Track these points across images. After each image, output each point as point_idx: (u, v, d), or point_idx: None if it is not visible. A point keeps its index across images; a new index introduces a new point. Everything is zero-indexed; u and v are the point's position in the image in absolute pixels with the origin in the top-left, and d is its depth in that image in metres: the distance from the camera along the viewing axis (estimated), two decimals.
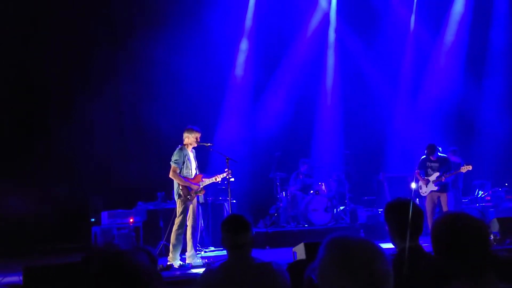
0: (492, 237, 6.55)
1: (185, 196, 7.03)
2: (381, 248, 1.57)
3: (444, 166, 8.64)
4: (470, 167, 8.57)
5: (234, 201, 9.29)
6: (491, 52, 12.72)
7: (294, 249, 5.30)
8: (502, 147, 12.13)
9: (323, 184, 10.56)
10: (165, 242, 7.65)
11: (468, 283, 1.95)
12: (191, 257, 7.10)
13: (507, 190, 11.04)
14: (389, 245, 3.08)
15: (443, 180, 8.57)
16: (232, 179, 7.61)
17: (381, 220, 10.24)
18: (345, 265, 1.49)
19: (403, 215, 2.86)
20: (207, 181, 7.35)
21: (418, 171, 8.89)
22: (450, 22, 12.68)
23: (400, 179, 10.59)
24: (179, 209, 7.06)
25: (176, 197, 7.13)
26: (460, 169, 8.61)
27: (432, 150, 8.70)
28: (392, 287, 1.51)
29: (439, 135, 11.57)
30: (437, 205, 8.79)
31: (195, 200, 7.21)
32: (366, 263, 1.48)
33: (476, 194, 11.23)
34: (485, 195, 11.08)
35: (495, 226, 6.83)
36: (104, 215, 8.63)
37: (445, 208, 8.60)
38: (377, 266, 1.48)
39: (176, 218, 7.07)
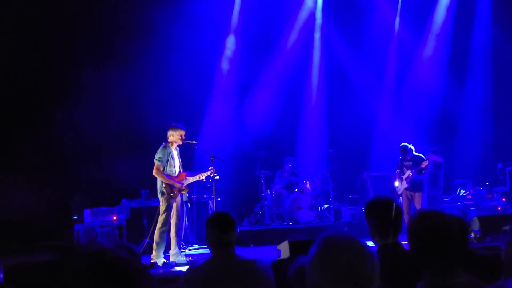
0: (472, 235, 6.64)
1: (169, 194, 7.01)
2: (369, 247, 1.59)
3: (416, 164, 8.87)
4: (427, 162, 8.88)
5: (219, 199, 9.28)
6: (473, 54, 12.90)
7: (278, 247, 5.32)
8: (483, 147, 12.31)
9: (307, 182, 10.60)
10: (148, 240, 7.62)
11: (436, 276, 2.04)
12: (175, 255, 7.08)
13: (488, 189, 11.21)
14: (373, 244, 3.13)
15: (410, 177, 8.83)
16: (217, 177, 7.60)
17: (365, 219, 10.30)
18: (327, 265, 1.51)
19: (383, 213, 2.93)
20: (191, 179, 7.33)
21: (398, 170, 9.21)
22: (433, 24, 12.82)
23: (383, 178, 10.69)
24: (162, 207, 7.04)
25: (159, 195, 7.11)
26: (421, 164, 8.84)
27: (404, 151, 9.09)
28: (377, 285, 1.54)
29: (422, 134, 11.71)
30: (412, 203, 9.08)
31: (178, 198, 7.20)
32: (351, 263, 1.50)
33: (457, 193, 11.39)
34: (466, 194, 11.23)
35: (475, 224, 6.92)
36: (87, 212, 8.56)
37: (418, 207, 8.85)
38: (363, 267, 1.51)
39: (159, 216, 7.04)
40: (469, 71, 12.91)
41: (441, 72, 12.75)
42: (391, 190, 9.62)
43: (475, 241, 6.64)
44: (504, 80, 12.63)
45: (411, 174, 8.90)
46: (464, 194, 11.26)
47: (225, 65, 11.90)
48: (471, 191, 11.26)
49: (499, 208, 10.32)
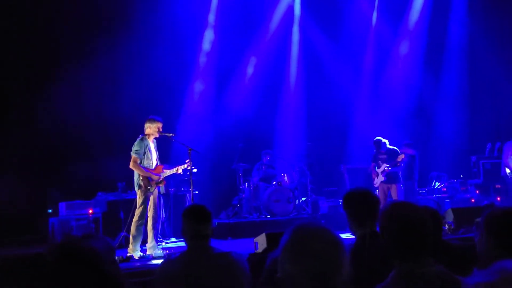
0: (446, 226, 6.75)
1: (146, 187, 6.96)
2: (338, 236, 1.61)
3: (392, 157, 9.01)
4: (403, 156, 9.02)
5: (197, 192, 9.25)
6: (448, 48, 13.07)
7: (255, 239, 5.32)
8: (458, 140, 12.50)
9: (285, 175, 10.63)
10: (125, 233, 7.56)
11: (406, 265, 2.09)
12: (151, 248, 7.04)
13: (462, 181, 11.40)
14: (349, 235, 3.19)
15: (386, 170, 8.97)
16: (195, 170, 7.56)
17: (341, 211, 10.41)
18: (298, 254, 1.53)
19: (360, 203, 3.02)
20: (168, 172, 7.29)
21: (373, 164, 9.36)
22: (410, 18, 12.95)
23: (360, 171, 10.79)
24: (139, 200, 6.98)
25: (136, 187, 7.04)
26: (398, 158, 8.98)
27: (378, 145, 9.27)
28: (346, 275, 1.56)
29: (399, 128, 11.84)
30: (388, 196, 9.24)
31: (156, 191, 7.15)
32: (319, 251, 1.52)
33: (433, 185, 11.55)
34: (441, 187, 11.41)
35: (449, 216, 7.02)
36: (62, 206, 8.45)
37: (395, 199, 8.96)
38: (331, 254, 1.53)
39: (136, 209, 6.99)
40: (445, 65, 13.09)
41: (417, 66, 12.89)
42: (368, 182, 9.71)
43: (449, 233, 6.74)
44: (479, 75, 12.84)
45: (387, 167, 9.01)
46: (439, 187, 11.44)
47: (202, 58, 11.82)
48: (446, 183, 11.44)
49: (473, 200, 10.52)
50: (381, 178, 9.15)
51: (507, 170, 9.79)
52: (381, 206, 8.68)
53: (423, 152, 10.98)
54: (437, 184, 11.51)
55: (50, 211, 8.84)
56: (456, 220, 6.94)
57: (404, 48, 12.98)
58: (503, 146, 10.24)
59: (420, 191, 11.13)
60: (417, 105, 12.76)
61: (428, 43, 12.87)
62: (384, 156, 9.16)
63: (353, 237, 4.04)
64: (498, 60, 12.63)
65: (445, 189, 11.32)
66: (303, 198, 10.73)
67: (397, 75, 12.92)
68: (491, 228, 2.39)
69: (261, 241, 5.13)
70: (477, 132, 12.60)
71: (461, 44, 12.91)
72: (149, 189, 6.97)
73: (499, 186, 10.63)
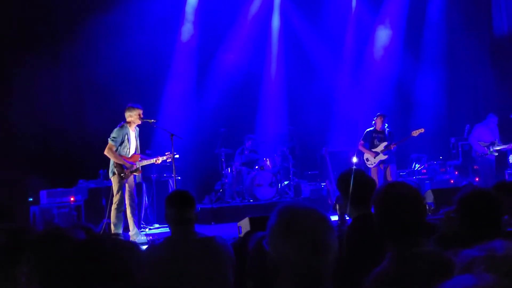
0: (426, 207, 6.84)
1: (119, 174, 6.94)
2: (328, 218, 1.63)
3: (392, 135, 8.92)
4: (422, 130, 8.92)
5: (179, 177, 9.24)
6: (428, 28, 13.12)
7: (239, 223, 5.34)
8: (438, 122, 12.63)
9: (267, 159, 10.65)
10: (107, 220, 7.54)
11: (402, 246, 2.10)
12: (135, 235, 7.04)
13: (442, 163, 11.56)
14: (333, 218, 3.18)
15: (392, 148, 8.80)
16: (177, 156, 7.54)
17: (324, 194, 10.53)
18: (290, 231, 1.55)
19: (359, 183, 2.98)
20: (145, 162, 7.27)
21: (363, 142, 9.04)
22: (389, 2, 12.97)
23: (342, 154, 10.85)
24: (115, 187, 7.00)
25: (110, 174, 7.04)
26: (411, 134, 8.91)
27: (385, 120, 8.92)
28: (335, 256, 1.58)
29: (379, 110, 11.89)
30: (381, 176, 8.97)
31: (131, 178, 7.12)
32: (310, 231, 1.54)
33: (413, 167, 11.68)
34: (421, 168, 11.54)
35: (429, 197, 7.10)
36: (43, 194, 8.37)
37: (389, 179, 8.90)
38: (322, 235, 1.55)
39: (114, 197, 6.98)
40: (424, 46, 13.16)
41: (397, 49, 12.94)
42: (350, 165, 9.73)
43: (429, 213, 6.83)
44: (458, 56, 12.95)
45: (392, 146, 8.76)
46: (419, 168, 11.57)
47: (183, 42, 11.71)
48: (426, 165, 11.57)
49: (452, 181, 10.69)
50: (381, 156, 8.82)
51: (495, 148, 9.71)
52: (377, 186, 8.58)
53: (404, 134, 11.07)
54: (417, 165, 11.65)
55: (31, 199, 8.75)
56: (436, 201, 7.03)
57: (383, 31, 13.01)
58: (472, 128, 10.36)
59: (401, 173, 11.26)
60: (396, 87, 12.84)
61: (408, 25, 12.93)
62: (382, 135, 8.88)
63: (336, 219, 4.07)
64: (477, 41, 12.76)
65: (424, 171, 11.46)
66: (286, 182, 10.78)
67: (377, 58, 12.96)
68: (465, 209, 2.46)
69: (245, 225, 5.15)
70: (456, 114, 12.75)
71: (440, 25, 12.98)
72: (122, 176, 6.95)
73: (478, 167, 10.79)
